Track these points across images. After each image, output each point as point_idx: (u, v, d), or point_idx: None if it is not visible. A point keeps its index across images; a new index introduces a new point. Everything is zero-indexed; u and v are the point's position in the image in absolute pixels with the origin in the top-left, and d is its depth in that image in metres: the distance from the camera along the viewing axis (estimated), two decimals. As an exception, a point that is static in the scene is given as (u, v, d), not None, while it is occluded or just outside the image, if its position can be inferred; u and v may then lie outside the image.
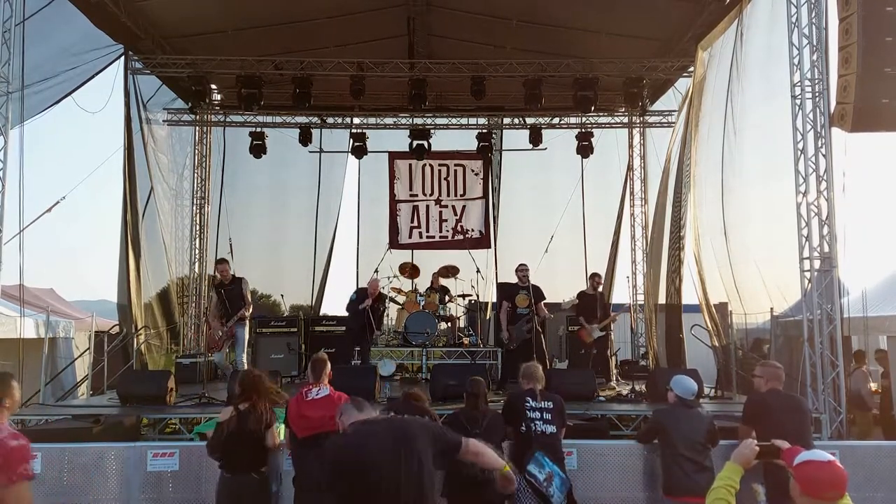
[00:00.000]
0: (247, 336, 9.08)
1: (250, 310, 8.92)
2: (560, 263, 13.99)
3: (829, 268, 7.51)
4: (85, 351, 10.17)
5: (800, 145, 7.76)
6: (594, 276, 10.65)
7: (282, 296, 13.41)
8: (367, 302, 9.51)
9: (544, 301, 9.29)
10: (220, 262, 9.11)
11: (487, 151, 14.30)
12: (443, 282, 12.14)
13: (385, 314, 11.29)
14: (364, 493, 2.84)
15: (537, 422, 4.86)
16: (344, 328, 11.47)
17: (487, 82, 11.84)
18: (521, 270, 9.23)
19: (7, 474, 3.20)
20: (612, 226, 14.75)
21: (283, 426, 5.10)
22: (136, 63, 11.75)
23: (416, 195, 14.80)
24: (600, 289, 10.40)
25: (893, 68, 7.04)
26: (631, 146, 14.75)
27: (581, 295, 10.42)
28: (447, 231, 14.73)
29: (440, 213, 14.77)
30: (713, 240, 9.98)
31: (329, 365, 5.11)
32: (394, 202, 14.78)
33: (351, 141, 14.20)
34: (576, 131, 13.96)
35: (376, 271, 11.65)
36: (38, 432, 6.59)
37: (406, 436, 2.98)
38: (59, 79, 9.65)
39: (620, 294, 14.51)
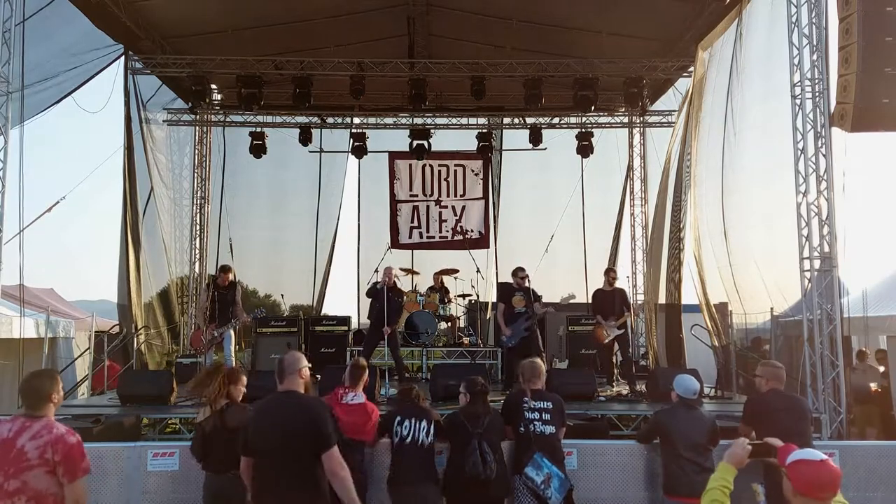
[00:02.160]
0: (234, 343, 9.10)
1: (242, 316, 8.97)
2: (560, 263, 14.01)
3: (829, 268, 7.51)
4: (85, 351, 10.17)
5: (800, 145, 7.76)
6: (609, 271, 10.05)
7: (282, 296, 13.43)
8: (381, 282, 9.40)
9: (540, 301, 9.23)
10: (224, 270, 9.16)
11: (487, 151, 14.30)
12: (443, 281, 12.15)
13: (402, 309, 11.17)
14: (258, 452, 3.62)
15: (536, 422, 4.85)
16: (345, 328, 11.51)
17: (487, 82, 11.84)
18: (520, 276, 9.11)
19: (71, 471, 3.28)
20: (612, 226, 14.76)
21: None
22: (136, 63, 11.76)
23: (416, 195, 14.82)
24: (617, 285, 9.76)
25: (893, 68, 7.03)
26: (631, 146, 14.75)
27: (597, 293, 9.91)
28: (447, 231, 14.75)
29: (440, 213, 14.79)
30: (713, 240, 9.97)
31: (367, 372, 5.14)
32: (394, 202, 14.79)
33: (351, 141, 14.20)
34: (576, 131, 13.96)
35: (376, 271, 11.64)
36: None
37: (294, 415, 3.59)
38: (59, 79, 9.65)
39: (620, 294, 14.52)
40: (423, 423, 4.78)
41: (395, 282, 9.72)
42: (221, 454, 4.53)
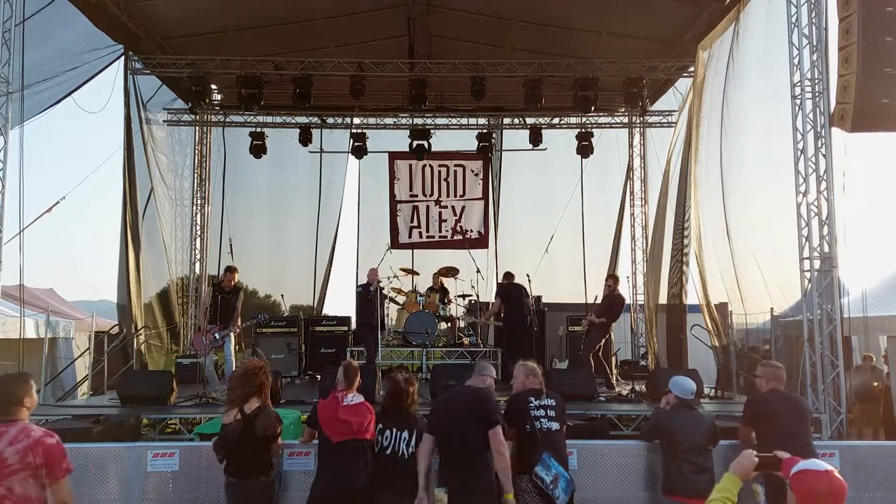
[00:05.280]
0: (234, 344, 9.10)
1: (237, 323, 8.93)
2: (560, 263, 14.00)
3: (829, 268, 7.51)
4: (85, 351, 10.16)
5: (800, 145, 7.75)
6: (607, 278, 10.17)
7: (282, 296, 13.41)
8: (373, 286, 9.54)
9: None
10: (229, 271, 9.14)
11: (487, 151, 14.31)
12: (443, 281, 12.15)
13: (386, 313, 11.32)
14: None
15: (542, 419, 4.80)
16: (345, 328, 11.50)
17: (487, 82, 11.83)
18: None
19: (54, 472, 3.27)
20: (612, 226, 14.76)
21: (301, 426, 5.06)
22: (136, 63, 11.76)
23: (416, 196, 14.83)
24: (615, 291, 9.70)
25: (893, 68, 7.03)
26: (631, 146, 14.74)
27: None
28: (446, 231, 14.77)
29: (440, 213, 14.81)
30: (714, 240, 9.97)
31: (360, 372, 5.03)
32: (394, 202, 14.81)
33: (351, 141, 14.20)
34: (576, 131, 13.95)
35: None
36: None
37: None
38: (59, 79, 9.65)
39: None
40: (405, 434, 4.63)
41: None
42: (247, 460, 4.52)
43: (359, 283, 9.93)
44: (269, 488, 4.64)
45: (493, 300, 10.58)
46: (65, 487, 3.32)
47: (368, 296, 9.51)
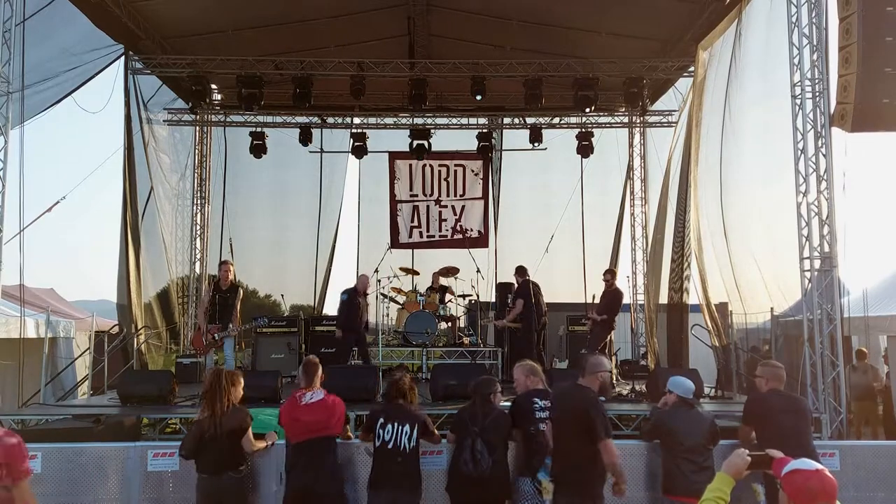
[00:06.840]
0: (234, 345, 9.08)
1: (236, 323, 8.87)
2: (560, 263, 14.00)
3: (830, 268, 7.51)
4: (85, 351, 10.16)
5: (800, 145, 7.76)
6: (604, 273, 10.26)
7: (282, 296, 13.42)
8: (358, 299, 9.76)
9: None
10: (224, 264, 9.04)
11: (487, 151, 14.31)
12: (443, 281, 12.15)
13: (386, 313, 11.36)
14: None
15: (546, 421, 4.82)
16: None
17: (487, 82, 11.83)
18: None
19: (12, 473, 3.19)
20: (612, 226, 14.75)
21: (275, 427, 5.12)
22: (136, 63, 11.75)
23: (417, 195, 14.85)
24: (612, 286, 9.82)
25: (893, 68, 7.03)
26: (631, 146, 14.73)
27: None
28: (447, 230, 14.79)
29: (440, 212, 14.83)
30: (714, 240, 9.97)
31: (321, 368, 5.05)
32: (394, 202, 14.82)
33: (351, 141, 14.20)
34: (576, 131, 13.94)
35: (376, 271, 11.67)
36: (38, 432, 6.59)
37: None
38: (60, 79, 9.64)
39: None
40: (407, 428, 4.65)
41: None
42: (216, 456, 4.60)
43: (344, 292, 10.00)
44: (240, 483, 4.69)
45: (510, 300, 10.34)
46: (26, 489, 3.24)
47: (355, 302, 9.77)
